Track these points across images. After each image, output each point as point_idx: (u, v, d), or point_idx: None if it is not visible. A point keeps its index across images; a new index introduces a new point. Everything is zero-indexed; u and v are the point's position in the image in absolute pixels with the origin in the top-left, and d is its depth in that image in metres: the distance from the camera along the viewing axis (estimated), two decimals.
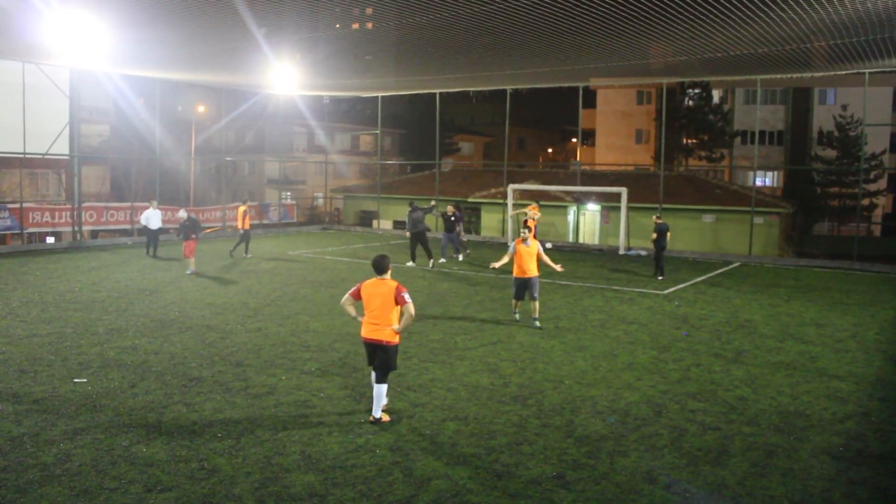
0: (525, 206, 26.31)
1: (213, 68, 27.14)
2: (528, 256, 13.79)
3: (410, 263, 21.96)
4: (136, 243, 27.15)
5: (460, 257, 23.49)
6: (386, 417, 8.44)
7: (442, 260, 22.76)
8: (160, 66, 26.80)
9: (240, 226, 23.25)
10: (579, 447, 7.77)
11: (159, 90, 31.38)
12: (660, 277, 20.49)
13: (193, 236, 19.81)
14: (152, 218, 23.67)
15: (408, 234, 22.21)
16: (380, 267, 8.50)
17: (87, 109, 44.15)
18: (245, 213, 23.21)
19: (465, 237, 25.80)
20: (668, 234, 20.53)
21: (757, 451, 7.77)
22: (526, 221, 20.95)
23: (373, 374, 8.53)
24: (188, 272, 19.47)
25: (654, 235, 20.36)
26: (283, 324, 13.62)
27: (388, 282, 8.41)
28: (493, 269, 14.65)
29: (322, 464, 7.18)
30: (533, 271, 13.81)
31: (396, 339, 8.49)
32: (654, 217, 21.37)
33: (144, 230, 24.10)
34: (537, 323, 13.84)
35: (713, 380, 10.49)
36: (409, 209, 22.07)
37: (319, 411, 8.70)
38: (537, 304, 13.93)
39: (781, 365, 11.43)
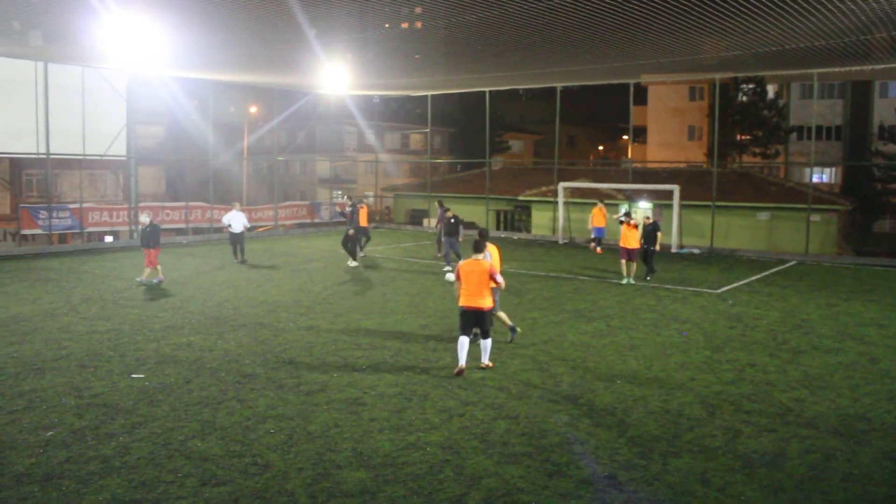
0: (577, 204, 25.86)
1: (265, 69, 27.54)
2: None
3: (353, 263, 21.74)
4: (191, 242, 27.71)
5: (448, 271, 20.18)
6: (491, 364, 10.60)
7: (447, 269, 20.38)
8: (214, 69, 27.30)
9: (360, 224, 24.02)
10: (631, 447, 7.68)
11: (212, 92, 32.04)
12: (647, 277, 19.66)
13: (154, 244, 17.75)
14: (235, 220, 22.06)
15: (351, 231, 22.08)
16: (478, 248, 10.67)
17: (143, 112, 44.98)
18: (362, 211, 23.98)
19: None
20: (659, 234, 19.99)
21: (815, 454, 7.58)
22: (623, 224, 19.29)
23: (462, 339, 10.37)
24: (151, 281, 17.71)
25: (660, 236, 19.94)
26: (334, 322, 13.76)
27: (483, 262, 10.48)
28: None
29: (373, 461, 7.23)
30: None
31: (491, 305, 10.57)
32: (644, 218, 20.44)
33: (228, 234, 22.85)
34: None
35: (768, 380, 10.26)
36: (351, 209, 22.55)
37: (371, 409, 8.76)
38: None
39: (840, 366, 11.13)
